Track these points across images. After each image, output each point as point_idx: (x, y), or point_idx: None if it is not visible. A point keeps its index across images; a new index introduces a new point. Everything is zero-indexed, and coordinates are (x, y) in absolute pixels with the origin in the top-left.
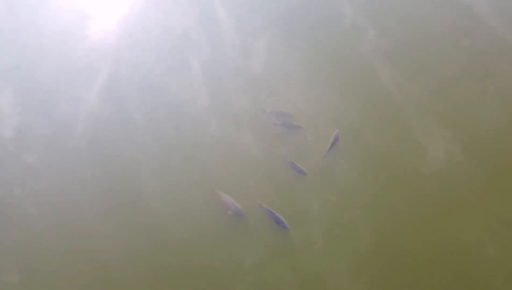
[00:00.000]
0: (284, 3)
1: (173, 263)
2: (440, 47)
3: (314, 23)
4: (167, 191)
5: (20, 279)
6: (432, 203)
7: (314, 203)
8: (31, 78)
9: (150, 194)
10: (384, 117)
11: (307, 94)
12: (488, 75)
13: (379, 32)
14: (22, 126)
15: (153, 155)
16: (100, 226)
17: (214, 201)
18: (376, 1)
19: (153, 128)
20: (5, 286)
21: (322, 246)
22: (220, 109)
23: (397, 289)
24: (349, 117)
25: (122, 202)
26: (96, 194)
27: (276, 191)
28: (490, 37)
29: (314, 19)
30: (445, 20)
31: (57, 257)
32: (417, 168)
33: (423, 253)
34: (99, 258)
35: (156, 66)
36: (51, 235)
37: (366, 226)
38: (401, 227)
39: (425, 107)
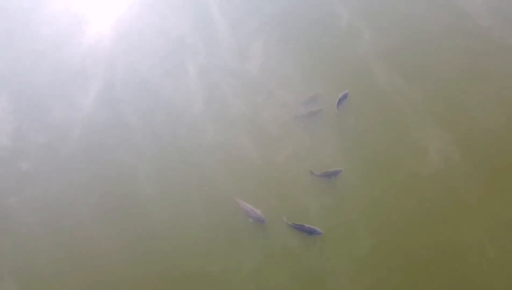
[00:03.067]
0: (280, 6)
1: (170, 267)
2: (436, 48)
3: (309, 25)
4: (163, 195)
5: (17, 286)
6: (431, 205)
7: (313, 207)
8: (25, 83)
9: (147, 199)
10: (382, 119)
11: (304, 96)
12: (485, 76)
13: (375, 33)
14: (17, 133)
15: (150, 159)
16: (97, 231)
17: (211, 205)
18: (372, 2)
19: (149, 133)
20: None
21: (321, 250)
22: (216, 113)
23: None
24: (347, 120)
25: (118, 206)
26: (92, 199)
27: (275, 195)
28: (486, 37)
29: (310, 21)
30: (441, 21)
31: (54, 264)
32: (415, 170)
33: (423, 255)
34: (96, 264)
35: (151, 70)
36: (47, 242)
37: (365, 229)
38: (400, 229)
39: (423, 108)
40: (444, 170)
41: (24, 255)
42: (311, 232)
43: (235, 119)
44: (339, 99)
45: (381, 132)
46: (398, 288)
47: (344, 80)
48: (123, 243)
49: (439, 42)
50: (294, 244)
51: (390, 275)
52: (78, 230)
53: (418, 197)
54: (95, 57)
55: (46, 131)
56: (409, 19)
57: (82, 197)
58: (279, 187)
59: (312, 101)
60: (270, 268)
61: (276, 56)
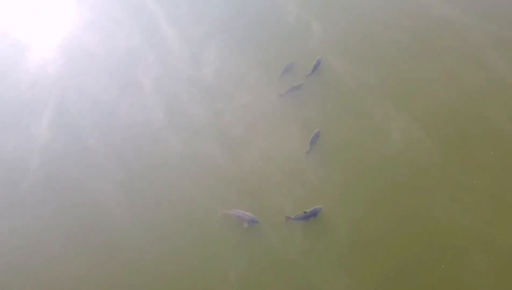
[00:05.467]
0: (226, 8)
1: (150, 286)
2: (382, 30)
3: (259, 23)
4: (136, 216)
5: None
6: (400, 183)
7: (288, 202)
8: None
9: (119, 222)
10: (342, 107)
11: (263, 94)
12: (431, 51)
13: (324, 23)
14: None
15: (116, 181)
16: (70, 265)
17: (187, 218)
18: None
19: (111, 154)
20: None
21: (302, 244)
22: (178, 124)
23: (380, 271)
24: (308, 112)
25: (90, 235)
26: (62, 232)
27: (249, 196)
28: (429, 15)
29: (259, 19)
30: (384, 3)
31: None
32: (381, 152)
33: (399, 233)
34: None
35: (105, 89)
36: (19, 284)
37: (341, 216)
38: (374, 211)
39: (379, 91)
40: (407, 147)
41: None
42: (315, 214)
43: (198, 127)
44: (314, 66)
45: (343, 118)
46: (381, 267)
47: (300, 72)
48: (101, 274)
49: (384, 24)
50: (274, 244)
51: (369, 256)
52: (51, 267)
53: (387, 177)
54: (44, 82)
55: (1, 165)
56: (355, 6)
57: (50, 231)
58: (252, 188)
59: (289, 69)
60: (255, 271)
61: (230, 58)
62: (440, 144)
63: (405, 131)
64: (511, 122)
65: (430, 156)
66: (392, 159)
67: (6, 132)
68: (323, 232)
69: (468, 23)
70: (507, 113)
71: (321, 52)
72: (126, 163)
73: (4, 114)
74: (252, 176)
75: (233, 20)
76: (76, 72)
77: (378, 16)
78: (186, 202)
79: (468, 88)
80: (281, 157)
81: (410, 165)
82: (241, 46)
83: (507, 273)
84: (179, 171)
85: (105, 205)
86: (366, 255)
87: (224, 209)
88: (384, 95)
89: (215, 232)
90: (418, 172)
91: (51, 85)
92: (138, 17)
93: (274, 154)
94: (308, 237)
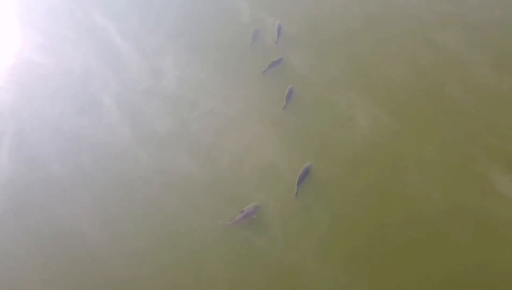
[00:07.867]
0: (180, 16)
1: None
2: (336, 20)
3: (214, 26)
4: (115, 239)
5: None
6: (373, 168)
7: (270, 199)
8: None
9: (98, 248)
10: (308, 101)
11: (227, 97)
12: (385, 34)
13: (280, 21)
14: None
15: (89, 206)
16: None
17: (166, 236)
18: None
19: (80, 178)
20: None
21: (286, 240)
22: (146, 138)
23: (365, 255)
24: (274, 110)
25: (70, 267)
26: (38, 267)
27: (229, 203)
28: (380, 2)
29: (213, 23)
30: None
31: None
32: (350, 140)
33: (377, 216)
34: None
35: (64, 112)
36: None
37: (320, 209)
38: (351, 198)
39: (341, 81)
40: (375, 132)
41: None
42: (307, 171)
43: (166, 139)
44: (277, 32)
45: (310, 114)
46: (365, 253)
47: (261, 70)
48: None
49: (335, 13)
50: (259, 242)
51: (353, 243)
52: None
53: (359, 163)
54: None
55: None
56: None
57: (24, 269)
58: (229, 193)
59: (256, 36)
60: (242, 272)
61: (189, 65)
62: (403, 123)
63: (371, 117)
64: (467, 95)
65: (396, 137)
66: (362, 145)
67: None
68: (305, 225)
69: (415, 3)
70: (462, 87)
71: (280, 48)
72: (96, 185)
73: None
74: (227, 181)
75: (187, 26)
76: (31, 97)
77: (328, 6)
78: (165, 217)
79: (423, 66)
80: (255, 156)
81: (379, 148)
82: (199, 52)
83: (471, 230)
84: (153, 186)
85: (80, 232)
86: (347, 242)
87: (225, 223)
88: (346, 85)
89: (200, 243)
90: (387, 153)
91: (5, 114)
92: (89, 34)
93: (247, 155)
94: (290, 233)
